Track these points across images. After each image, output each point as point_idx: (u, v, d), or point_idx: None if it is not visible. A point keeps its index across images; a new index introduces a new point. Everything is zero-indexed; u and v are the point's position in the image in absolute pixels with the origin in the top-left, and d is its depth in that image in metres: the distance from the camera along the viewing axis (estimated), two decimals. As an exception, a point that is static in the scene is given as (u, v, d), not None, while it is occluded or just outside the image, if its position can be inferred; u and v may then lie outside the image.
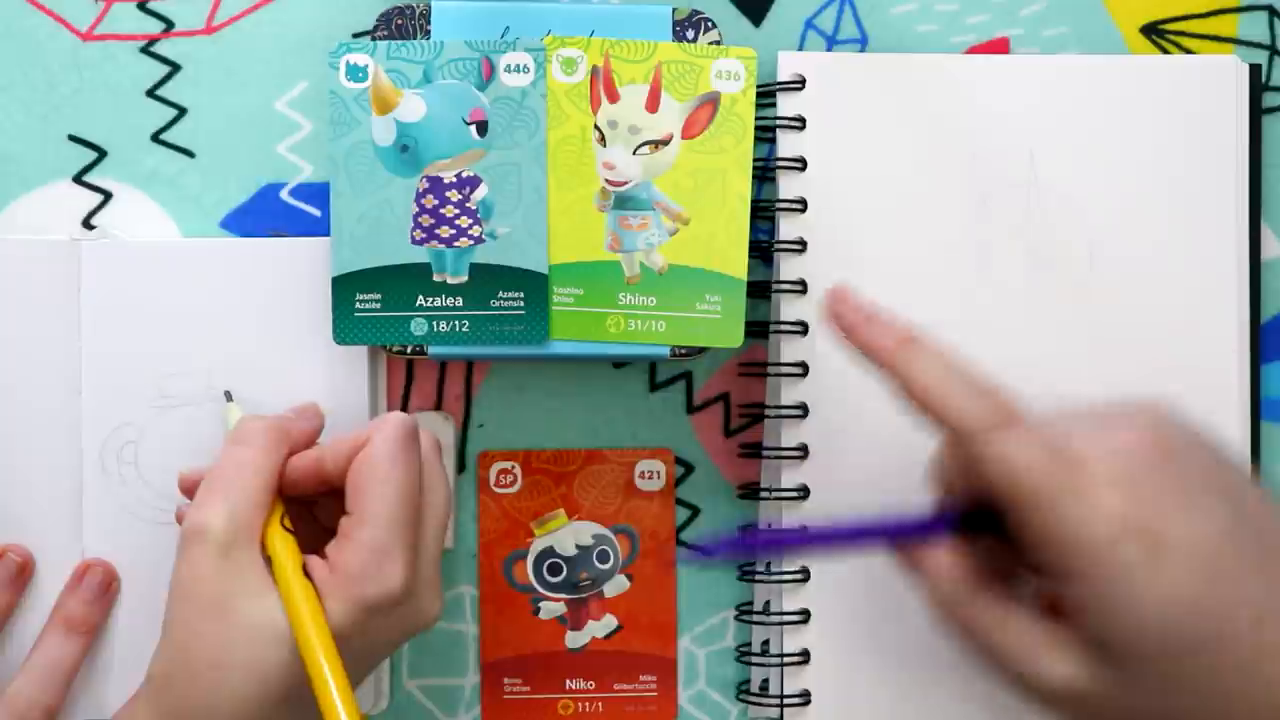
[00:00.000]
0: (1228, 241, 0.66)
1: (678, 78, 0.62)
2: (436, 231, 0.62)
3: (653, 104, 0.62)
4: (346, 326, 0.62)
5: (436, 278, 0.62)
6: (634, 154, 0.62)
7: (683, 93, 0.62)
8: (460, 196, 0.62)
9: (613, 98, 0.62)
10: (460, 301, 0.62)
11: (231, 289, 0.64)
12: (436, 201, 0.62)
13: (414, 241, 0.62)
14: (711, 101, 0.62)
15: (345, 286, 0.62)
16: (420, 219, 0.62)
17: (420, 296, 0.62)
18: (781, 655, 0.65)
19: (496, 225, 0.62)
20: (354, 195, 0.62)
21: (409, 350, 0.63)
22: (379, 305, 0.62)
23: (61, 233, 0.65)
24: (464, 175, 0.62)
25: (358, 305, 0.62)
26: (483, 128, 0.62)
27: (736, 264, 0.62)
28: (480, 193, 0.62)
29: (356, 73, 0.62)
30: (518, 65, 0.62)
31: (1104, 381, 0.66)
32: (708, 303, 0.63)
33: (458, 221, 0.62)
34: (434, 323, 0.62)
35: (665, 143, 0.62)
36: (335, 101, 0.62)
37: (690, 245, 0.63)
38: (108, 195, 0.66)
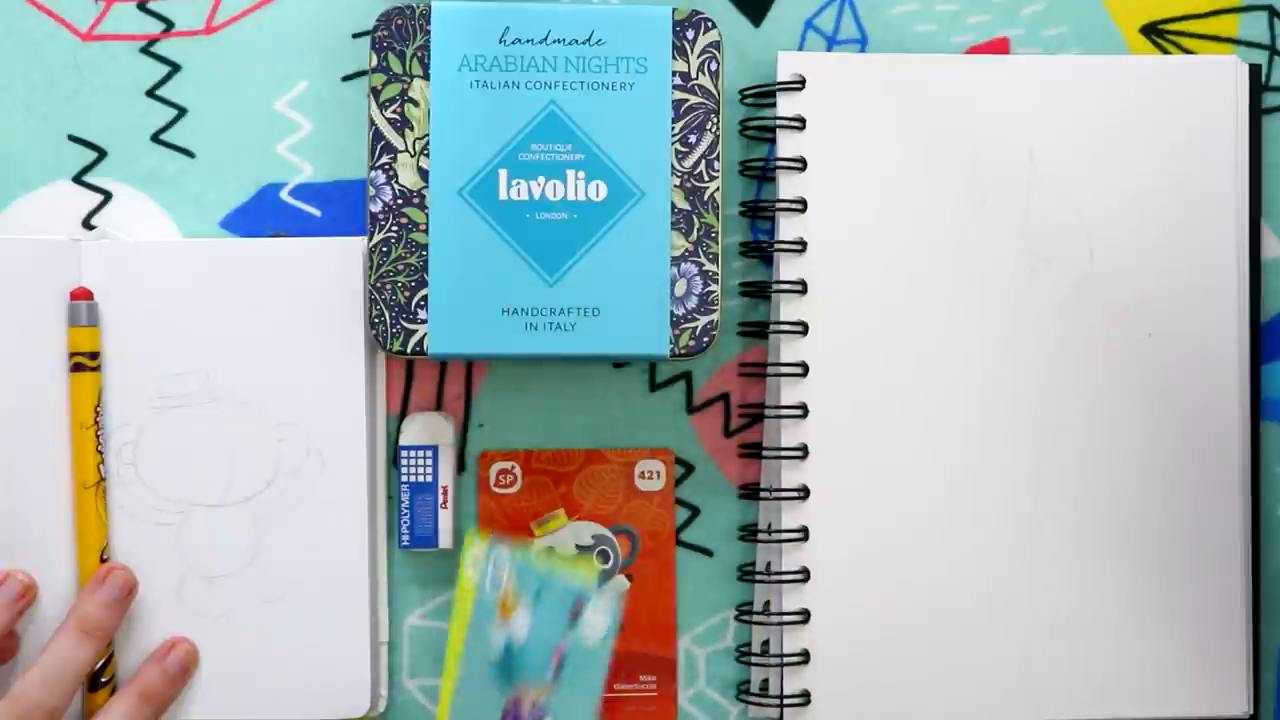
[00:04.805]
0: (1228, 241, 0.66)
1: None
2: None
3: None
4: None
5: None
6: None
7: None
8: None
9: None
10: None
11: (231, 289, 0.64)
12: None
13: None
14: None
15: None
16: None
17: None
18: (781, 655, 0.65)
19: None
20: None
21: (409, 350, 0.63)
22: None
23: (61, 233, 0.65)
24: (536, 705, 0.61)
25: None
26: (560, 664, 0.61)
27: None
28: None
29: (499, 577, 0.61)
30: (597, 613, 0.61)
31: (1104, 381, 0.66)
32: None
33: None
34: None
35: None
36: (480, 599, 0.61)
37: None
38: (108, 195, 0.66)
